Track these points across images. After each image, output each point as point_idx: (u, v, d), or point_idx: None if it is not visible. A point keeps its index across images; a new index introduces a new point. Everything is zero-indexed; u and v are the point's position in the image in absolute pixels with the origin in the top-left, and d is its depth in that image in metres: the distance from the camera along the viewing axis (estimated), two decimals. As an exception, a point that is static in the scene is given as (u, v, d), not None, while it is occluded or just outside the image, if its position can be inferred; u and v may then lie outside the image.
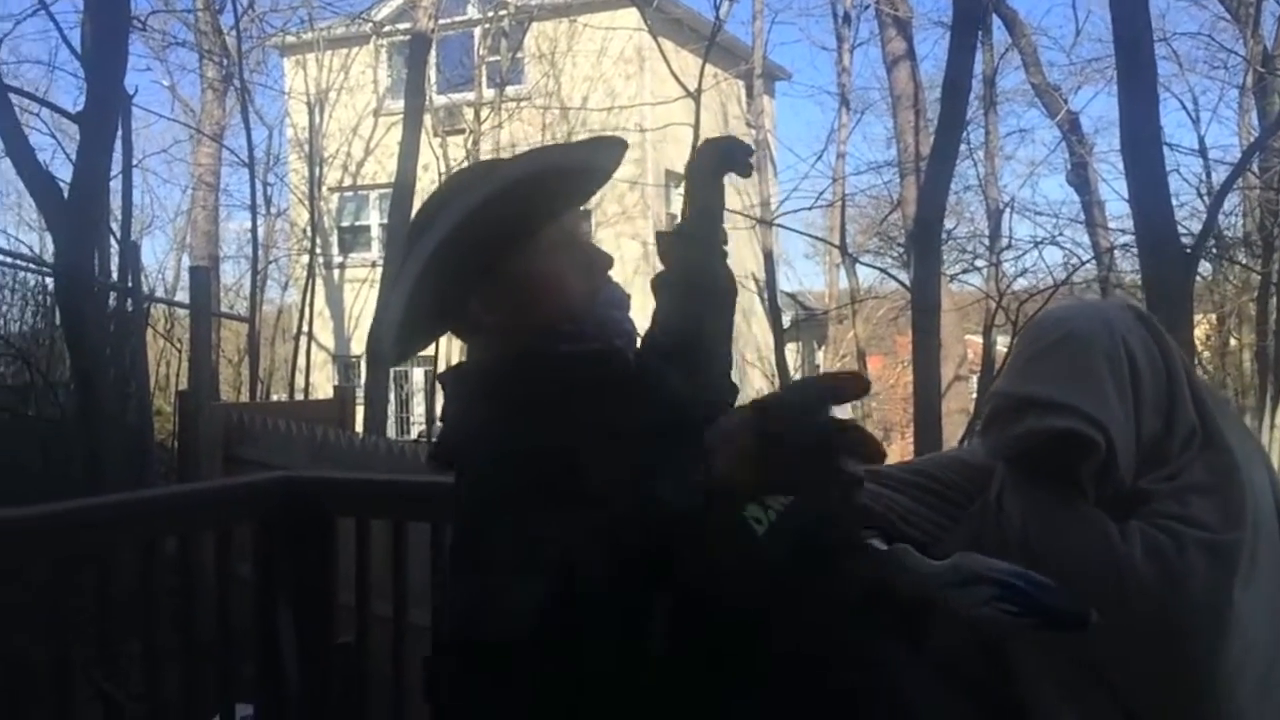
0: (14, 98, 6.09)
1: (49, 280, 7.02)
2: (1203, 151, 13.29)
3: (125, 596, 2.56)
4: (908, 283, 11.18)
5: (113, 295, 6.88)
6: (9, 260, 7.75)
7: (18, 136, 5.48)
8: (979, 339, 15.34)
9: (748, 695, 1.06)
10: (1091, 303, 1.62)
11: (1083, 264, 12.15)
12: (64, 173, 6.73)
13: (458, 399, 1.26)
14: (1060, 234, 13.51)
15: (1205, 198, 12.68)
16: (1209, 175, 13.30)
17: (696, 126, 10.92)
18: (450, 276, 1.19)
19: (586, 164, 1.29)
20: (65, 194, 5.33)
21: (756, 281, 17.55)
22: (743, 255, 17.83)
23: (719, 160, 1.55)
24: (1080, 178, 14.29)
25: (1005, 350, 12.36)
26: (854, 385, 1.03)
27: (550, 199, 1.23)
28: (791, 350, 16.94)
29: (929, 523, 1.40)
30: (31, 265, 7.94)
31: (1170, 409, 1.32)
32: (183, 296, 11.42)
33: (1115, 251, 12.29)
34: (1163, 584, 1.22)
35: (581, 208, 1.36)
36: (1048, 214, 16.40)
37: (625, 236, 15.47)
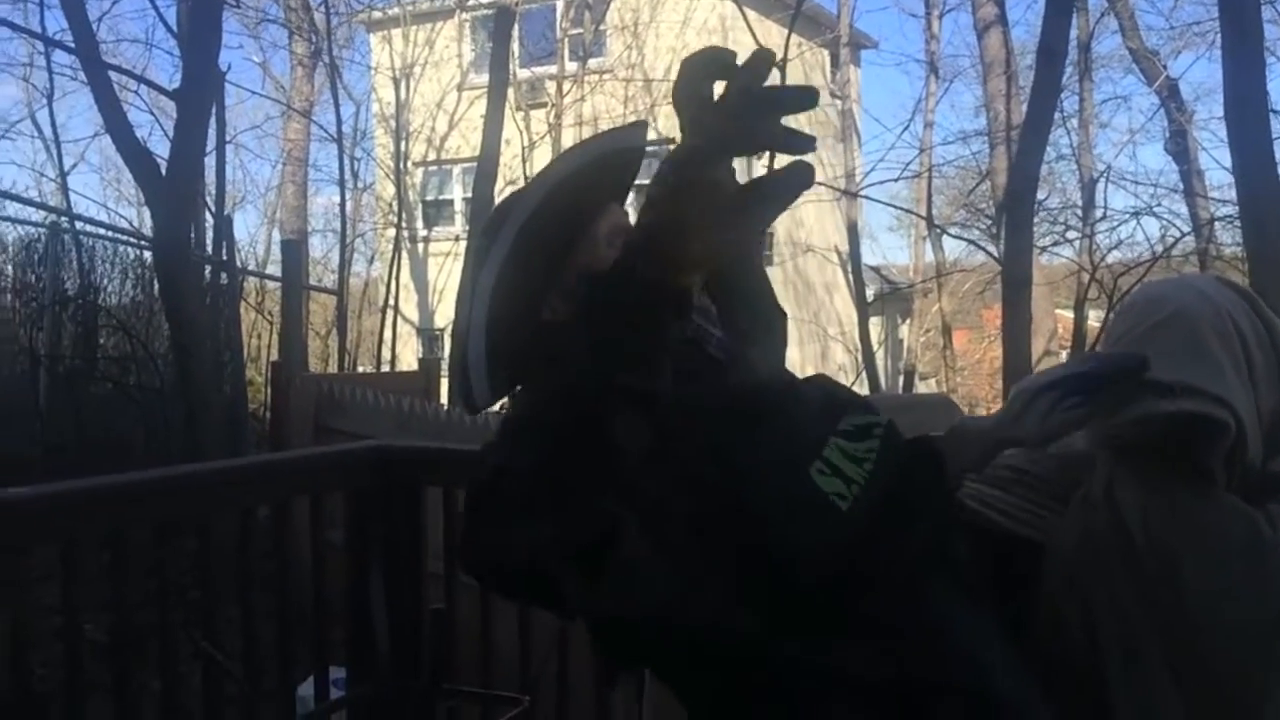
0: (113, 75, 6.26)
1: (147, 254, 7.25)
2: (1312, 118, 12.72)
3: (223, 562, 2.64)
4: (997, 255, 10.95)
5: (208, 268, 7.07)
6: (110, 234, 8.02)
7: (117, 113, 5.64)
8: (1069, 313, 14.95)
9: (825, 655, 1.04)
10: (1189, 278, 1.50)
11: (1182, 236, 11.73)
12: (160, 149, 6.94)
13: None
14: (1158, 204, 13.06)
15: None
16: (1319, 143, 12.73)
17: (780, 97, 10.78)
18: (520, 297, 1.15)
19: (619, 148, 1.26)
20: (163, 170, 5.47)
21: (839, 254, 17.33)
22: (825, 227, 17.62)
23: (703, 66, 1.06)
24: (1179, 146, 13.79)
25: (1098, 325, 12.03)
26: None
27: (592, 191, 1.21)
28: (875, 324, 16.72)
29: (1024, 513, 1.33)
30: (131, 239, 8.21)
31: None
32: (273, 270, 11.67)
33: (1216, 224, 11.84)
34: None
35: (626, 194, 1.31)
36: (1145, 183, 15.86)
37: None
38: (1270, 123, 5.58)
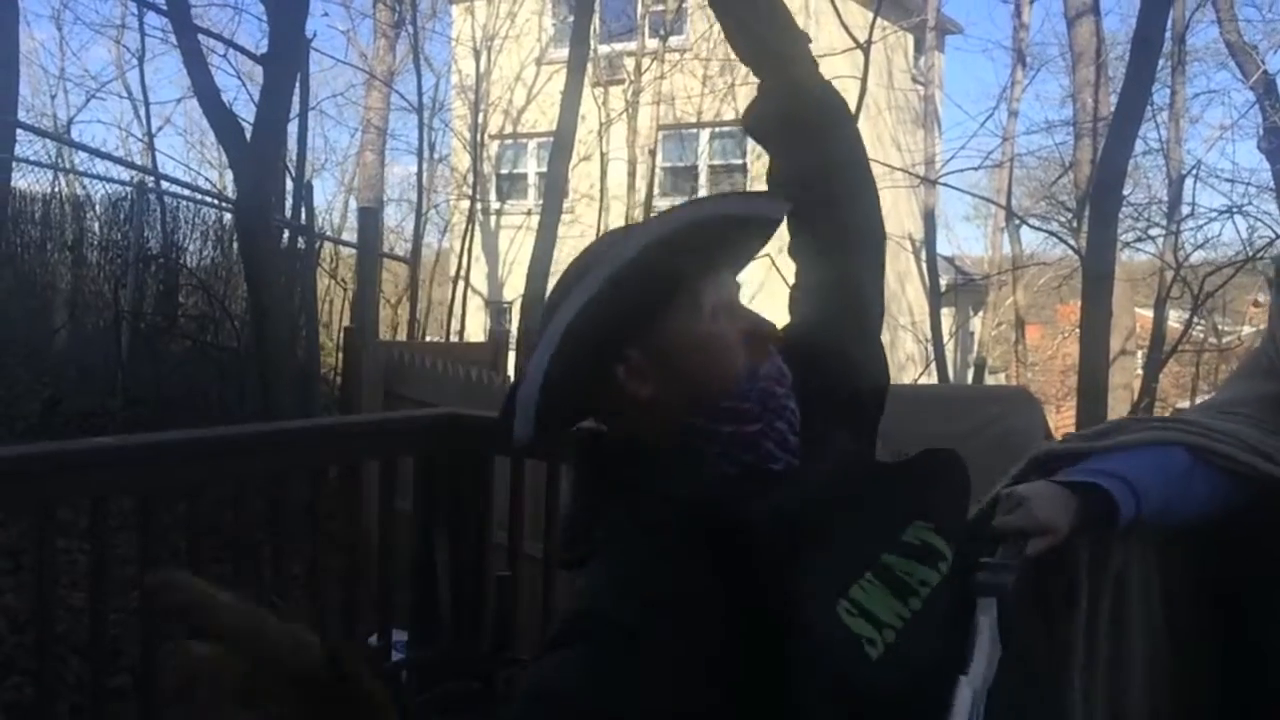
0: (202, 38, 6.37)
1: (228, 216, 7.39)
2: None
3: (294, 521, 2.69)
4: (1077, 248, 10.69)
5: (286, 233, 7.19)
6: (193, 195, 8.19)
7: (205, 76, 5.73)
8: (1148, 312, 14.57)
9: None
10: None
11: (1275, 239, 11.34)
12: (246, 113, 7.05)
13: (596, 480, 1.11)
14: (1248, 203, 12.65)
15: None
16: None
17: (864, 80, 10.61)
18: (593, 345, 1.03)
19: (746, 214, 1.13)
20: (247, 134, 5.55)
21: (913, 242, 17.08)
22: (900, 214, 17.38)
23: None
24: (1273, 144, 13.33)
25: (1179, 326, 11.71)
26: None
27: (707, 253, 1.08)
28: (946, 315, 16.47)
29: None
30: (214, 200, 8.38)
31: None
32: (348, 237, 11.83)
33: (1310, 226, 11.43)
34: None
35: (743, 267, 1.18)
36: (1236, 181, 15.37)
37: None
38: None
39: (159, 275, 7.23)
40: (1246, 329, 19.62)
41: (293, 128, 7.29)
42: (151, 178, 8.12)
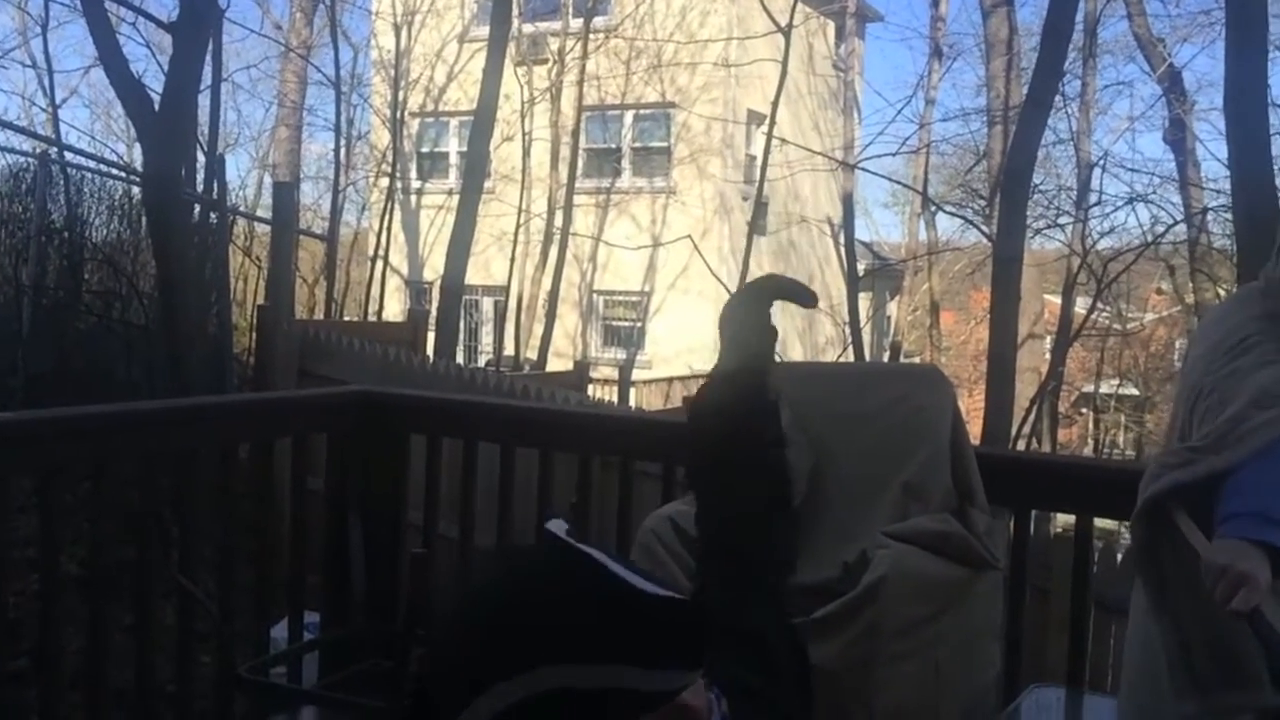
0: (109, 5, 6.17)
1: (136, 189, 7.18)
2: (1311, 116, 12.70)
3: (203, 501, 2.63)
4: (989, 234, 10.94)
5: (197, 207, 7.01)
6: (99, 167, 7.93)
7: (112, 45, 5.56)
8: (1056, 299, 14.98)
9: None
10: None
11: (1173, 224, 11.74)
12: (155, 84, 6.85)
13: None
14: (1153, 193, 13.07)
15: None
16: (1316, 141, 12.73)
17: (785, 64, 10.72)
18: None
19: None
20: (156, 105, 5.40)
21: (832, 226, 17.31)
22: (820, 199, 17.59)
23: (771, 289, 1.34)
24: (1177, 136, 13.78)
25: (1083, 312, 12.07)
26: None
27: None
28: (864, 300, 16.73)
29: None
30: (121, 173, 8.13)
31: None
32: (263, 214, 11.59)
33: (1209, 214, 11.85)
34: None
35: None
36: (1141, 171, 15.87)
37: (704, 177, 15.34)
38: (1268, 112, 5.58)
39: (63, 250, 7.00)
40: (1149, 316, 20.30)
41: (204, 100, 7.12)
42: (55, 149, 7.84)
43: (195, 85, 5.84)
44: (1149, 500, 1.46)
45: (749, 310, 1.31)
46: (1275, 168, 5.81)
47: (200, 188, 7.37)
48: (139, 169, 7.47)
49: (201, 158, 7.67)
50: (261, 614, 2.66)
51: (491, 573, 0.96)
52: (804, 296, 1.32)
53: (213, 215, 7.06)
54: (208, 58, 6.28)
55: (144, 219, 6.65)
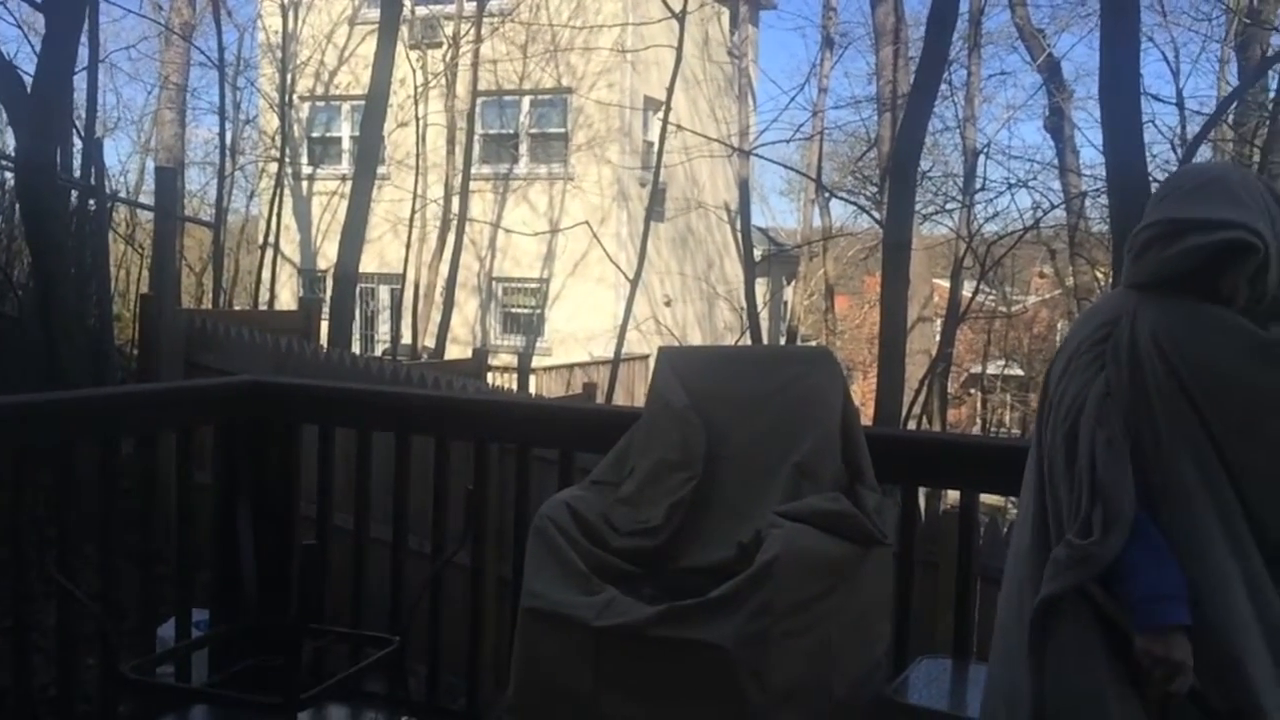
0: (-26, -17, 5.88)
1: (8, 175, 6.87)
2: (1180, 104, 13.27)
3: (84, 498, 2.54)
4: (880, 220, 11.18)
5: (74, 194, 6.74)
6: (-33, 153, 7.56)
7: (-22, 23, 5.31)
8: (945, 283, 15.40)
9: None
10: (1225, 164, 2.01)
11: (1052, 208, 12.19)
12: (27, 66, 6.56)
13: None
14: (1033, 179, 13.53)
15: (1179, 151, 12.70)
16: (1184, 128, 13.31)
17: (679, 50, 10.76)
18: None
19: None
20: (28, 87, 5.18)
21: (729, 212, 17.47)
22: (718, 185, 17.73)
23: None
24: (1057, 124, 14.28)
25: (968, 295, 12.44)
26: None
27: None
28: (761, 285, 16.95)
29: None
30: (-10, 159, 7.76)
31: None
32: (145, 200, 11.19)
33: (1086, 199, 12.31)
34: None
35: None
36: (1022, 158, 16.44)
37: (602, 163, 15.32)
38: (1140, 100, 5.81)
39: (-72, 238, 6.67)
40: (1033, 298, 21.01)
41: (80, 82, 6.84)
42: (-82, 133, 7.44)
43: (70, 66, 5.61)
44: (1053, 596, 1.59)
45: None
46: (1147, 154, 6.07)
47: (78, 173, 7.09)
48: (10, 154, 7.14)
49: (78, 142, 7.37)
50: (149, 612, 2.58)
51: None
52: None
53: (91, 202, 6.81)
54: (83, 38, 6.02)
55: (17, 207, 6.37)
